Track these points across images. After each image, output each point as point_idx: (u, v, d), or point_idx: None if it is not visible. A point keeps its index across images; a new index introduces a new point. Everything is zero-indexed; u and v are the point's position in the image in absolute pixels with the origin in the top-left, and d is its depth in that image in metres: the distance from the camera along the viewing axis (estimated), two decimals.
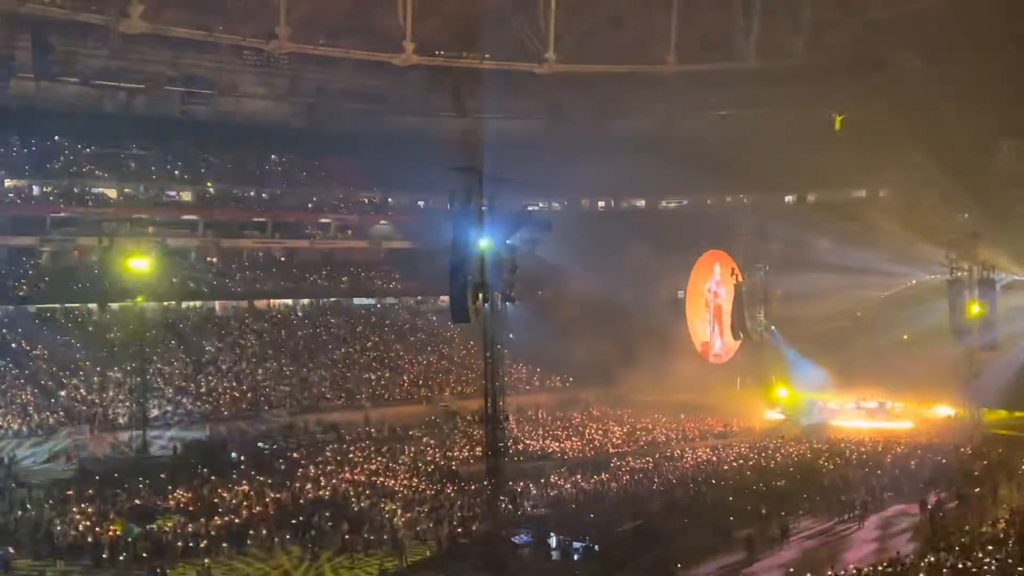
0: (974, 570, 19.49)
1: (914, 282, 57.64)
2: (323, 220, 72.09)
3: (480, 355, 39.16)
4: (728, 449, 46.30)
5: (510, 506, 34.54)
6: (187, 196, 67.84)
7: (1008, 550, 22.78)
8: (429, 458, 44.86)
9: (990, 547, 24.05)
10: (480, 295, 31.49)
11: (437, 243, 42.38)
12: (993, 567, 19.61)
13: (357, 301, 68.94)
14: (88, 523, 33.18)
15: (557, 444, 48.20)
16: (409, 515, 34.59)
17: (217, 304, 63.78)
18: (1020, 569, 17.97)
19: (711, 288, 65.20)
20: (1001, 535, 27.73)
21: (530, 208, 72.82)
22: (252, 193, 70.14)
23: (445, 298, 37.76)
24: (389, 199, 75.26)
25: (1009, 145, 59.16)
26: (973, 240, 47.32)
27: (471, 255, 31.32)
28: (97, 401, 49.20)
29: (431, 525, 33.61)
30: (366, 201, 74.45)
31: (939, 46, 58.69)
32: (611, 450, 46.85)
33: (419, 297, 70.73)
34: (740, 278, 61.41)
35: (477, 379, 47.05)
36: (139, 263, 51.26)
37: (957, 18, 55.86)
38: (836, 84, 61.65)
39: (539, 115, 77.28)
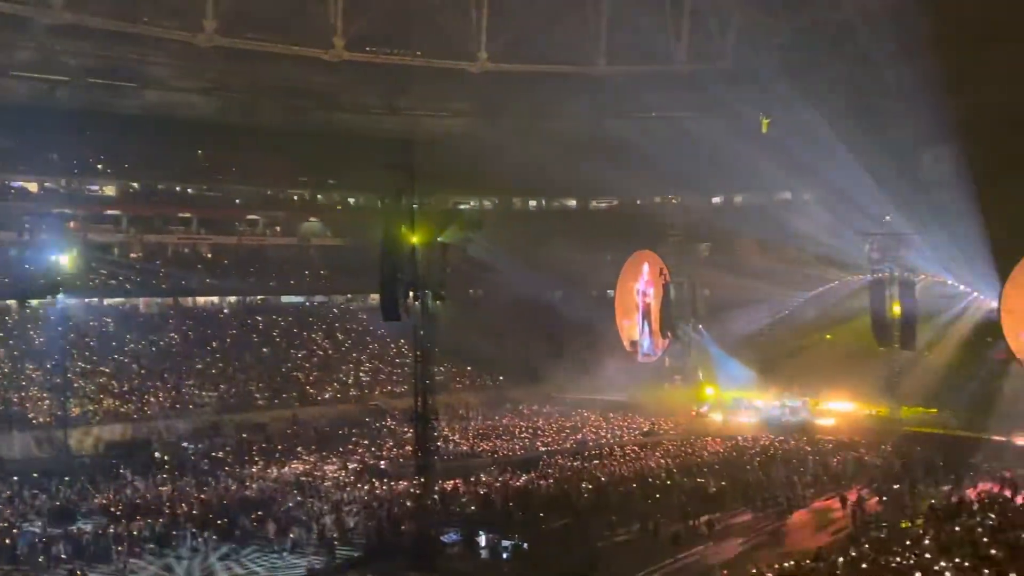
0: (893, 565, 19.96)
1: (837, 283, 58.81)
2: (251, 216, 71.28)
3: (410, 354, 39.11)
4: (656, 447, 46.76)
5: (439, 505, 34.45)
6: (110, 190, 66.58)
7: (925, 545, 23.37)
8: (358, 457, 44.60)
9: (908, 542, 24.64)
10: (411, 293, 31.37)
11: (367, 241, 42.13)
12: (912, 561, 20.09)
13: (285, 299, 68.24)
14: (5, 524, 32.29)
15: (487, 443, 48.23)
16: (338, 514, 34.33)
17: (141, 301, 62.55)
18: (937, 564, 18.45)
19: (640, 288, 65.74)
20: (920, 531, 28.50)
21: (461, 206, 72.93)
22: (178, 188, 68.98)
23: (375, 296, 37.46)
24: (319, 196, 74.66)
25: (931, 150, 60.69)
26: (895, 242, 48.46)
27: (402, 253, 31.19)
28: (16, 400, 47.91)
29: (360, 524, 33.40)
30: (295, 198, 73.73)
31: (863, 53, 60.07)
32: (540, 448, 47.02)
33: (349, 295, 70.23)
34: (668, 278, 62.04)
35: (407, 378, 46.93)
36: (60, 258, 50.05)
37: (881, 25, 57.19)
38: (764, 88, 62.64)
39: (471, 114, 77.27)
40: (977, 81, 55.56)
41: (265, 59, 67.71)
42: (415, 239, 31.26)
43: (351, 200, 74.46)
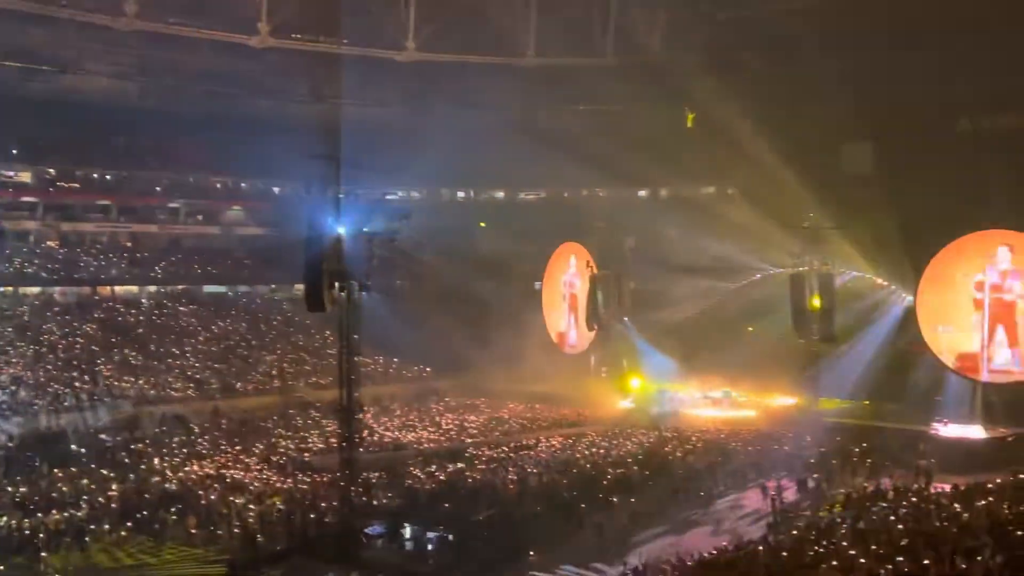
0: (810, 553, 20.36)
1: (759, 276, 59.75)
2: (172, 204, 69.88)
3: (335, 345, 38.74)
4: (581, 438, 47.06)
5: (364, 497, 34.24)
6: (26, 177, 64.62)
7: (842, 534, 23.89)
8: (281, 449, 44.09)
9: (826, 531, 25.18)
10: (336, 284, 31.09)
11: (292, 230, 41.58)
12: (829, 550, 20.51)
13: (207, 289, 67.06)
14: None
15: (413, 434, 48.12)
16: (260, 508, 33.90)
17: (57, 290, 60.94)
18: (853, 551, 18.85)
19: (567, 279, 66.03)
20: (837, 519, 29.13)
21: (388, 196, 72.46)
22: (96, 175, 67.31)
23: (300, 286, 37.06)
24: (242, 184, 73.51)
25: (850, 146, 61.95)
26: (815, 237, 49.38)
27: (327, 243, 30.89)
28: None
29: (282, 517, 33.02)
30: (218, 186, 72.52)
31: (786, 50, 61.04)
32: (467, 440, 47.03)
33: (273, 285, 69.30)
34: (595, 270, 62.42)
35: (332, 369, 46.45)
36: None
37: (802, 23, 58.14)
38: (689, 82, 63.27)
39: (398, 103, 76.65)
40: (895, 78, 56.76)
41: (187, 44, 66.24)
42: (341, 229, 30.97)
43: (275, 189, 73.38)
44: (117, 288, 63.65)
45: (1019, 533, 16.18)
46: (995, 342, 43.80)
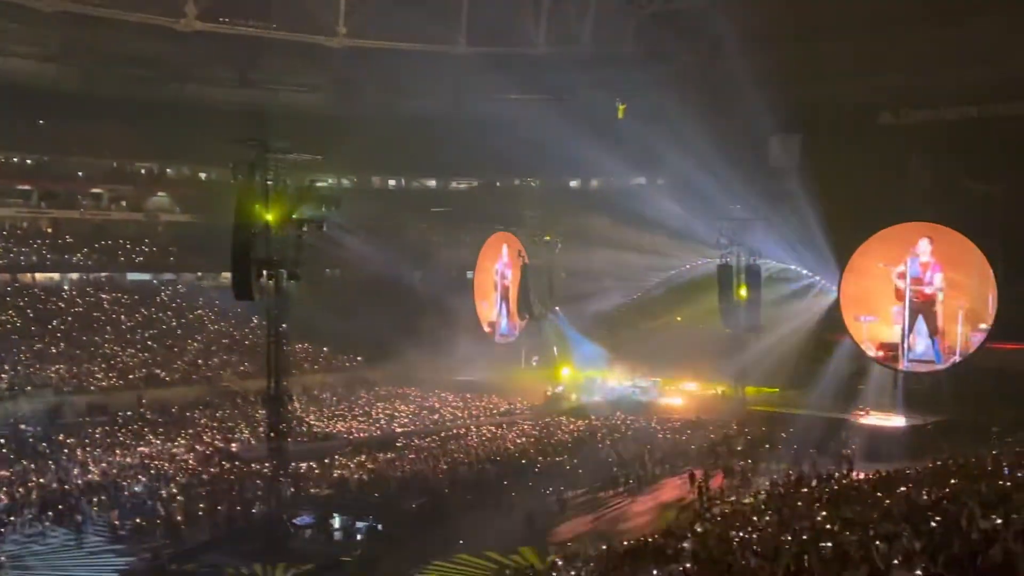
0: (736, 539, 20.65)
1: (688, 266, 60.41)
2: (95, 190, 68.24)
3: (263, 334, 38.29)
4: (512, 427, 47.21)
5: (292, 488, 33.93)
6: None
7: (767, 520, 24.29)
8: (208, 440, 43.46)
9: (753, 517, 25.57)
10: (264, 272, 30.70)
11: (219, 218, 40.91)
12: (755, 536, 20.82)
13: (131, 276, 65.66)
14: None
15: (343, 424, 47.79)
16: (185, 499, 33.39)
17: None
18: (781, 536, 19.17)
19: (498, 269, 66.15)
20: (762, 506, 29.63)
21: (318, 184, 71.55)
22: (16, 159, 65.43)
23: (227, 274, 36.46)
24: (168, 170, 72.06)
25: (777, 139, 62.95)
26: (742, 228, 50.08)
27: (255, 230, 30.45)
28: None
29: (208, 508, 32.57)
30: (142, 172, 70.95)
31: (715, 42, 61.82)
32: (397, 429, 46.87)
33: (199, 273, 68.12)
34: (526, 260, 62.58)
35: (260, 358, 45.91)
36: None
37: (728, 17, 58.93)
38: (620, 73, 63.66)
39: (328, 89, 75.88)
40: (820, 72, 57.82)
41: (112, 27, 64.74)
42: (269, 216, 30.56)
43: (202, 175, 72.07)
44: (38, 275, 62.06)
45: (937, 519, 16.59)
46: (915, 332, 44.91)
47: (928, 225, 44.86)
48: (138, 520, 31.21)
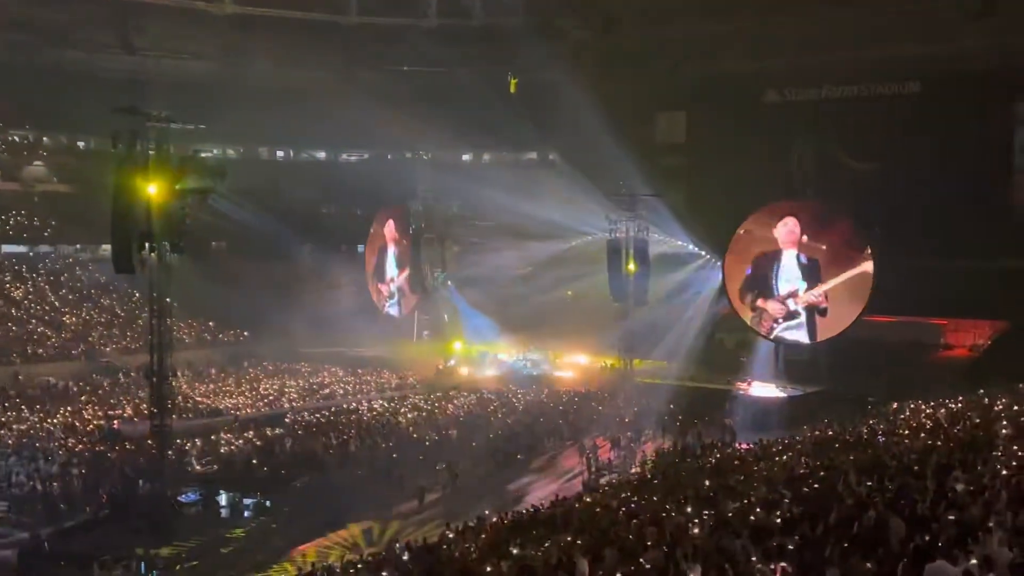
0: (623, 510, 21.04)
1: (579, 241, 60.98)
2: None
3: (146, 308, 37.26)
4: (403, 402, 47.08)
5: (177, 465, 33.21)
6: None
7: (653, 488, 24.84)
8: (89, 416, 42.13)
9: (639, 487, 26.10)
10: (146, 245, 29.84)
11: (99, 188, 39.53)
12: (642, 504, 21.25)
13: (6, 248, 62.91)
14: None
15: (229, 400, 46.90)
16: (65, 477, 32.38)
17: None
18: (666, 505, 19.62)
19: (390, 243, 65.64)
20: (649, 476, 30.28)
21: (203, 154, 69.54)
22: None
23: (107, 247, 35.29)
24: (44, 139, 69.11)
25: (664, 115, 63.85)
26: (631, 203, 50.71)
27: (136, 202, 29.54)
28: None
29: (90, 487, 31.67)
30: (17, 140, 67.95)
31: (603, 18, 62.23)
32: (286, 405, 46.23)
33: (78, 245, 65.74)
34: (418, 233, 62.26)
35: (143, 333, 44.67)
36: None
37: None
38: (511, 47, 63.56)
39: (214, 57, 73.72)
40: (708, 50, 58.74)
41: None
42: (151, 187, 29.65)
43: (81, 144, 69.41)
44: None
45: (816, 486, 17.21)
46: (793, 306, 46.20)
47: (800, 203, 46.19)
48: (15, 499, 30.16)
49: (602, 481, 31.60)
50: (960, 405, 30.48)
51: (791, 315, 46.15)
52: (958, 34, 50.01)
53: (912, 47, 51.62)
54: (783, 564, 11.47)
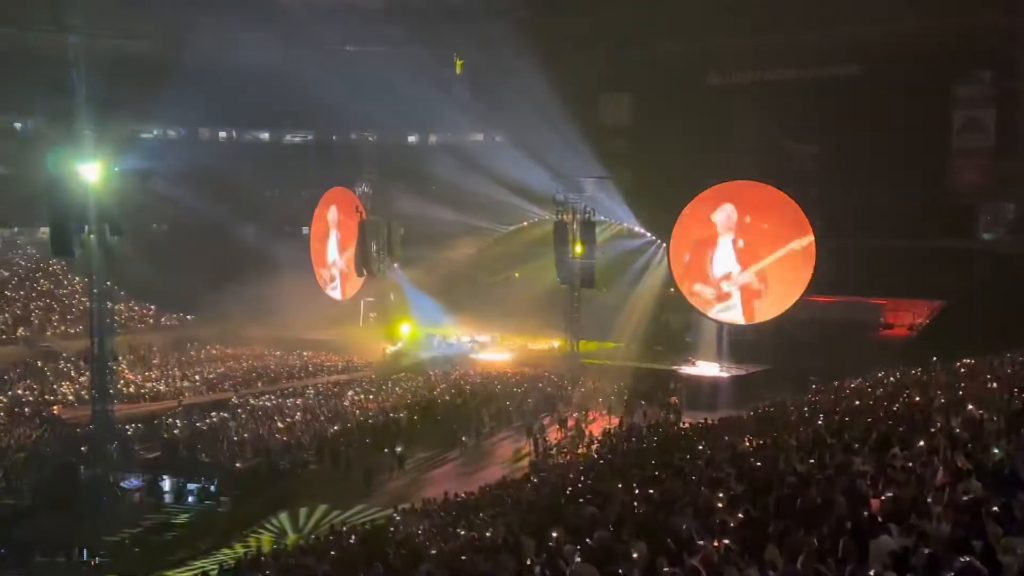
0: (569, 490, 21.22)
1: (525, 223, 61.01)
2: None
3: (86, 292, 36.63)
4: (350, 385, 46.83)
5: (119, 451, 32.75)
6: None
7: (600, 467, 25.05)
8: (27, 402, 41.33)
9: (585, 467, 26.32)
10: (86, 227, 29.31)
11: (35, 169, 38.66)
12: (589, 484, 21.43)
13: None
14: None
15: (172, 384, 46.30)
16: (4, 464, 31.77)
17: None
18: (609, 485, 19.78)
19: (336, 225, 65.09)
20: (594, 455, 30.54)
21: (142, 135, 68.49)
22: None
23: (46, 230, 34.61)
24: None
25: (608, 97, 64.04)
26: (577, 185, 50.85)
27: (74, 183, 28.98)
28: None
29: (29, 472, 31.12)
30: None
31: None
32: (230, 389, 45.77)
33: (15, 228, 64.37)
34: (364, 215, 61.84)
35: (83, 318, 43.88)
36: None
37: None
38: (456, 27, 63.22)
39: (152, 37, 72.27)
40: (651, 32, 58.92)
41: None
42: (89, 169, 29.10)
43: (16, 125, 67.80)
44: None
45: (759, 464, 17.46)
46: (733, 287, 46.69)
47: (741, 184, 46.55)
48: None
49: (549, 462, 31.77)
50: (898, 382, 31.06)
51: (724, 296, 46.58)
52: (897, 17, 50.76)
53: (851, 30, 52.35)
54: (726, 541, 11.61)
